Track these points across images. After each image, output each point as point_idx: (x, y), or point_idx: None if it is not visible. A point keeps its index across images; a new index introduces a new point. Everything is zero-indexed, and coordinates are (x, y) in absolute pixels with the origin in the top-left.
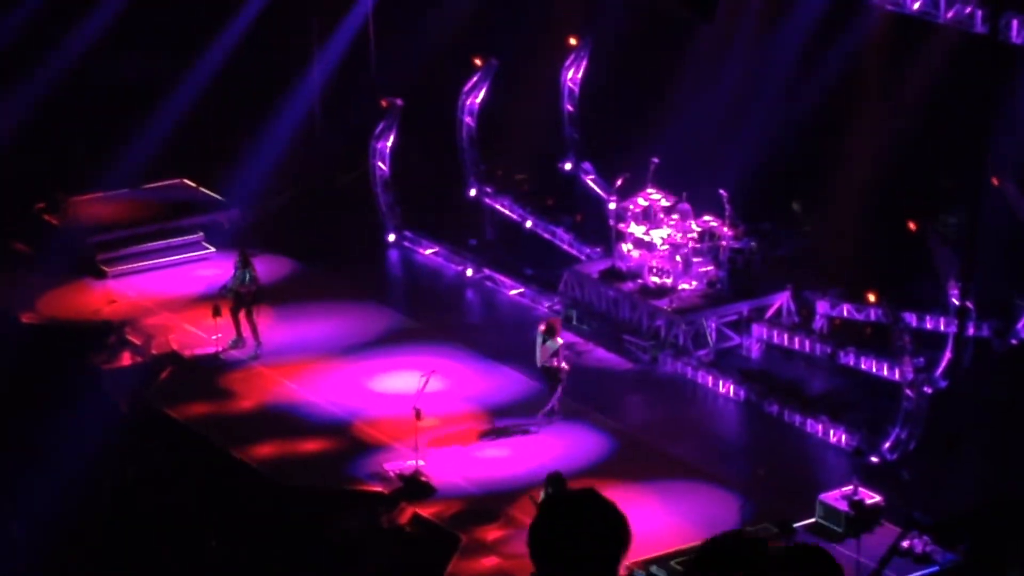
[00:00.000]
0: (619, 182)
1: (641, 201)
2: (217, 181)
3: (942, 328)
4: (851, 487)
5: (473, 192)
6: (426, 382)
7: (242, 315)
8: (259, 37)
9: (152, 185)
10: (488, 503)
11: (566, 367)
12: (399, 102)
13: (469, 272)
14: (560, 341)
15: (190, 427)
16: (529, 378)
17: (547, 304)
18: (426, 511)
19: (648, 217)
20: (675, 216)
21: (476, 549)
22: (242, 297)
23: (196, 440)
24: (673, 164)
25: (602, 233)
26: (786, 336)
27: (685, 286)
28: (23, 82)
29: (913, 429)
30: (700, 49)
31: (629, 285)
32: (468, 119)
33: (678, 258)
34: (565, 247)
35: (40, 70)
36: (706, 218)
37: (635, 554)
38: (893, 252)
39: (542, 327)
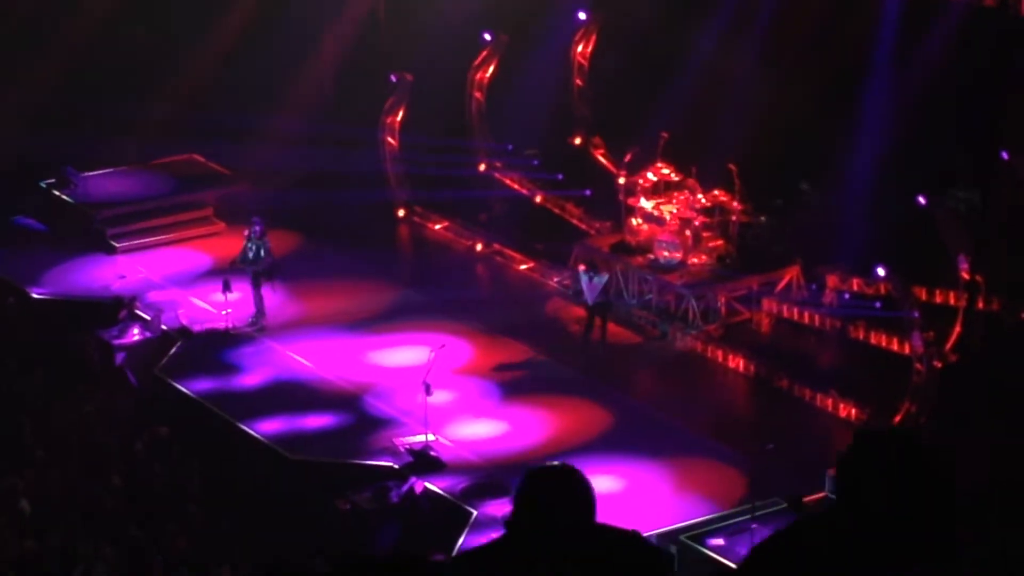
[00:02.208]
0: (628, 157)
1: (650, 175)
2: (227, 156)
3: (952, 302)
4: None
5: (483, 167)
6: (436, 357)
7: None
8: (271, 10)
9: (162, 160)
10: (499, 477)
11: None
12: (409, 77)
13: (479, 247)
14: (607, 275)
15: (200, 401)
16: (539, 352)
17: (556, 279)
18: (436, 485)
19: (658, 191)
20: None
21: (487, 523)
22: (258, 271)
23: (206, 414)
24: (683, 138)
25: (612, 207)
26: (796, 310)
27: (695, 260)
28: (32, 57)
29: (923, 403)
30: (710, 22)
31: (639, 259)
32: (478, 94)
33: (688, 232)
34: (575, 222)
35: (49, 45)
36: (715, 192)
37: (643, 527)
38: (903, 226)
39: (582, 267)
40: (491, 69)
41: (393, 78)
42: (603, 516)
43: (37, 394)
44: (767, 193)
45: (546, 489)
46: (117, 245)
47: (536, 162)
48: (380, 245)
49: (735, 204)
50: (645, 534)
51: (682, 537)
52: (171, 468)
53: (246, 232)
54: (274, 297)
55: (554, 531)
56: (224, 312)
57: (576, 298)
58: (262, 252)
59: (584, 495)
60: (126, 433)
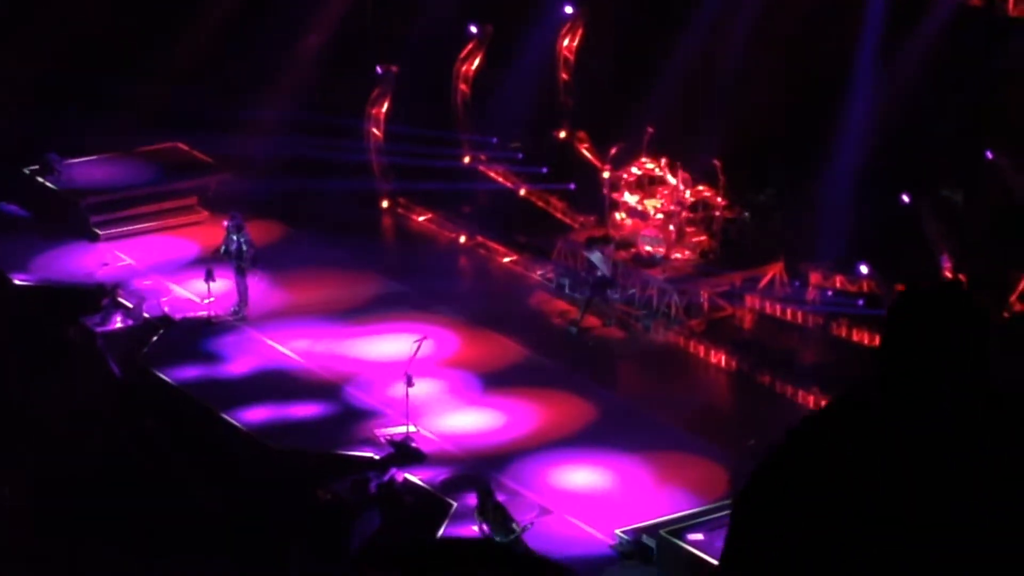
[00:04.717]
0: (613, 151)
1: (635, 170)
2: (210, 145)
3: None
4: None
5: (467, 159)
6: (418, 348)
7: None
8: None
9: (146, 148)
10: (479, 469)
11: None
12: (394, 68)
13: (462, 239)
14: (611, 245)
15: (182, 390)
16: (522, 345)
17: (540, 272)
18: (417, 477)
19: (642, 186)
20: (668, 185)
21: (466, 515)
22: (241, 263)
23: (188, 403)
24: (667, 133)
25: (596, 201)
26: (779, 307)
27: (678, 256)
28: (15, 41)
29: None
30: (696, 16)
31: (622, 254)
32: (463, 86)
33: (671, 228)
34: (559, 215)
35: (32, 30)
36: (699, 188)
37: (625, 522)
38: (887, 224)
39: (586, 251)
40: (477, 62)
41: (379, 69)
42: (585, 510)
43: (16, 381)
44: (751, 189)
45: (933, 317)
46: (100, 232)
47: (521, 155)
48: (363, 236)
49: (719, 200)
50: (624, 528)
51: (662, 532)
52: (151, 455)
53: (225, 223)
54: (257, 286)
55: (937, 380)
56: (206, 301)
57: (559, 291)
58: (243, 245)
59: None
60: (108, 421)
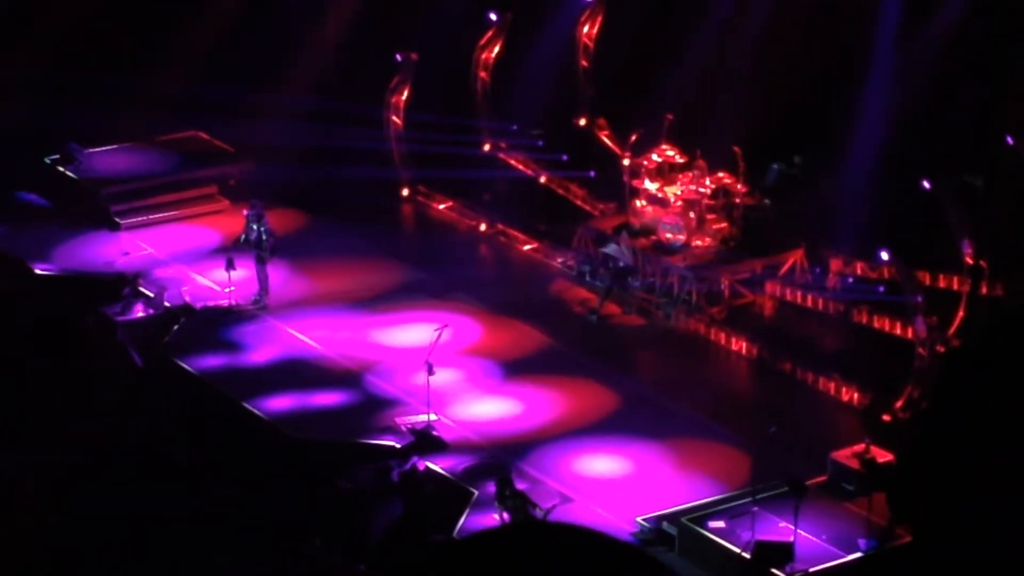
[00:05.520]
0: (633, 138)
1: (655, 157)
2: (231, 134)
3: (955, 287)
4: (863, 445)
5: (487, 147)
6: (439, 336)
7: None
8: None
9: (166, 137)
10: (500, 457)
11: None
12: (414, 56)
13: (482, 227)
14: (624, 235)
15: (203, 379)
16: (542, 333)
17: (560, 260)
18: (438, 465)
19: (662, 173)
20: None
21: (487, 503)
22: (262, 252)
23: (209, 392)
24: (688, 120)
25: (616, 189)
26: (799, 294)
27: (699, 243)
28: (36, 30)
29: (926, 388)
30: (714, 4)
31: (643, 241)
32: (483, 74)
33: (692, 215)
34: (579, 203)
35: (53, 17)
36: (720, 175)
37: (646, 509)
38: (907, 210)
39: (605, 246)
40: (496, 49)
41: (398, 57)
42: (606, 497)
43: (41, 371)
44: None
45: None
46: (121, 222)
47: (541, 143)
48: (384, 224)
49: (739, 186)
50: (646, 516)
51: (683, 519)
52: (173, 445)
53: (245, 212)
54: (277, 275)
55: None
56: (227, 290)
57: (579, 278)
58: (263, 234)
59: None
60: (127, 408)
